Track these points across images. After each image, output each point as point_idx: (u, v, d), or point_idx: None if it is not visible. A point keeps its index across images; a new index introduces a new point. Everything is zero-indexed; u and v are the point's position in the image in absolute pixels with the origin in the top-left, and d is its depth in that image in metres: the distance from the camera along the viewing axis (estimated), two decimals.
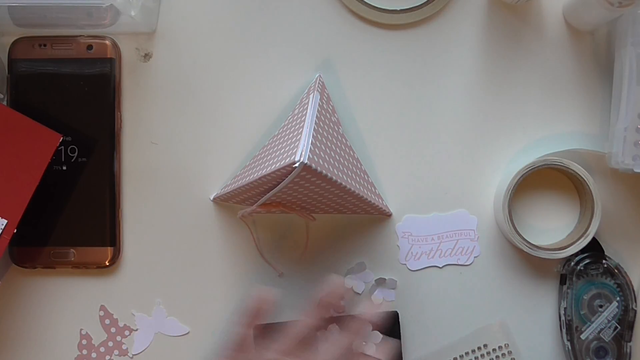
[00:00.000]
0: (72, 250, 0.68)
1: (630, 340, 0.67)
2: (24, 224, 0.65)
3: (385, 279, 0.68)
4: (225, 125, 0.69)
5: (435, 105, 0.69)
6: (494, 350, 0.68)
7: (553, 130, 0.69)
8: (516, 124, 0.69)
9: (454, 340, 0.69)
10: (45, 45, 0.68)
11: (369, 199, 0.64)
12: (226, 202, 0.69)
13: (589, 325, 0.67)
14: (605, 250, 0.68)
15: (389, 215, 0.69)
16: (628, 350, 0.67)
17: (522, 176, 0.66)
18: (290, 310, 0.69)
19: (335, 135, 0.64)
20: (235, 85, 0.69)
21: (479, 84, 0.69)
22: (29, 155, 0.64)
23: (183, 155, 0.69)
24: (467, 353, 0.68)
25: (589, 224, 0.66)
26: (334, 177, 0.58)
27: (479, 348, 0.68)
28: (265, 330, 0.67)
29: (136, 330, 0.69)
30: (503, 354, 0.68)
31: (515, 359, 0.68)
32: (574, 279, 0.67)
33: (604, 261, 0.67)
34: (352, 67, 0.69)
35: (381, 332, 0.67)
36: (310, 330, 0.62)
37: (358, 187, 0.63)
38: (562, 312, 0.67)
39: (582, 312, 0.67)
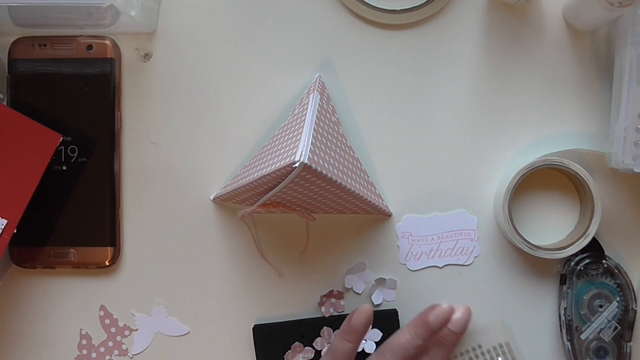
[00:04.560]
0: (72, 250, 0.68)
1: (630, 340, 0.67)
2: (24, 224, 0.65)
3: (385, 279, 0.69)
4: (225, 125, 0.69)
5: (435, 105, 0.69)
6: (494, 348, 0.68)
7: (553, 130, 0.69)
8: (516, 124, 0.69)
9: None
10: (45, 45, 0.68)
11: (369, 199, 0.64)
12: (226, 202, 0.69)
13: (589, 325, 0.67)
14: (605, 250, 0.68)
15: (389, 215, 0.69)
16: (628, 350, 0.67)
17: (522, 176, 0.66)
18: (290, 311, 0.69)
19: (335, 135, 0.64)
20: (235, 85, 0.69)
21: (478, 84, 0.69)
22: (29, 155, 0.64)
23: (183, 155, 0.69)
24: (467, 351, 0.68)
25: (589, 224, 0.66)
26: (334, 177, 0.58)
27: (479, 346, 0.68)
28: (265, 330, 0.67)
29: (136, 330, 0.69)
30: (503, 352, 0.68)
31: (515, 357, 0.68)
32: (574, 279, 0.67)
33: (604, 261, 0.67)
34: (352, 67, 0.69)
35: (381, 331, 0.68)
36: (414, 349, 0.62)
37: (358, 187, 0.63)
38: (562, 312, 0.67)
39: (582, 312, 0.67)
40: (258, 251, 0.69)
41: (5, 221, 0.64)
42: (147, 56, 0.69)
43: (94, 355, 0.69)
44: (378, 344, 0.67)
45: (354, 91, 0.69)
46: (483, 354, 0.68)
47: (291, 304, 0.69)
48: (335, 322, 0.68)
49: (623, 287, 0.67)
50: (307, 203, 0.63)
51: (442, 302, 0.69)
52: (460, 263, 0.69)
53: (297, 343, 0.67)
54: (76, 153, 0.68)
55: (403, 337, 0.63)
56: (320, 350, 0.68)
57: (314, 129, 0.59)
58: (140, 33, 0.69)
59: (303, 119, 0.61)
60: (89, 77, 0.68)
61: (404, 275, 0.69)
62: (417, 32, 0.69)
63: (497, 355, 0.68)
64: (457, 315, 0.63)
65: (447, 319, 0.63)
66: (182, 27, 0.69)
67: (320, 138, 0.59)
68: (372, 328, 0.67)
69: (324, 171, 0.57)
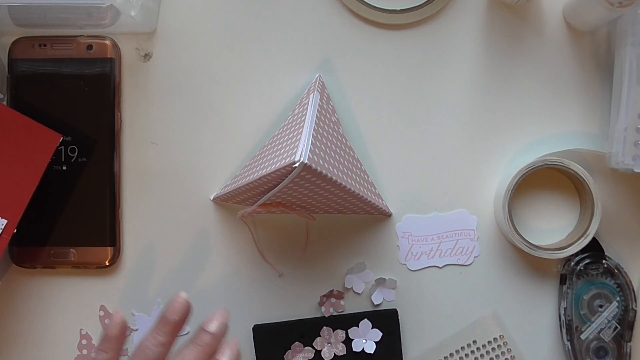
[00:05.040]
0: (72, 250, 0.68)
1: (630, 340, 0.67)
2: (24, 224, 0.65)
3: (385, 279, 0.69)
4: (225, 125, 0.69)
5: (435, 105, 0.69)
6: (489, 342, 0.68)
7: (553, 130, 0.69)
8: (516, 124, 0.69)
9: (448, 336, 0.68)
10: (45, 45, 0.68)
11: (369, 199, 0.64)
12: (226, 202, 0.69)
13: (589, 325, 0.67)
14: (605, 250, 0.68)
15: (389, 215, 0.69)
16: (628, 350, 0.67)
17: (522, 176, 0.66)
18: (290, 311, 0.69)
19: (335, 135, 0.64)
20: (235, 86, 0.69)
21: (478, 84, 0.69)
22: (29, 155, 0.64)
23: (183, 155, 0.69)
24: (462, 348, 0.68)
25: (589, 224, 0.66)
26: (334, 177, 0.58)
27: (474, 342, 0.68)
28: (265, 330, 0.67)
29: (136, 330, 0.69)
30: (499, 345, 0.68)
31: (511, 349, 0.68)
32: (574, 279, 0.67)
33: (604, 261, 0.67)
34: (352, 67, 0.69)
35: (381, 331, 0.68)
36: (161, 347, 0.59)
37: (358, 187, 0.63)
38: (562, 312, 0.67)
39: (582, 312, 0.67)
40: (258, 251, 0.69)
41: (5, 221, 0.64)
42: (147, 56, 0.69)
43: (94, 355, 0.69)
44: (378, 344, 0.67)
45: (354, 91, 0.69)
46: (478, 349, 0.68)
47: (291, 304, 0.69)
48: (335, 322, 0.68)
49: (623, 287, 0.67)
50: (307, 203, 0.63)
51: (441, 302, 0.69)
52: (460, 263, 0.69)
53: (297, 343, 0.67)
54: (76, 153, 0.68)
55: (147, 340, 0.59)
56: (320, 350, 0.68)
57: (314, 129, 0.59)
58: (140, 33, 0.69)
59: (303, 119, 0.61)
60: (89, 77, 0.68)
61: (404, 275, 0.69)
62: (417, 32, 0.69)
63: (493, 350, 0.68)
64: (211, 315, 0.61)
65: (183, 309, 0.59)
66: (182, 27, 0.69)
67: (320, 138, 0.59)
68: (372, 328, 0.68)
69: (324, 171, 0.57)
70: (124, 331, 0.60)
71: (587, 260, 0.67)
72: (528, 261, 0.69)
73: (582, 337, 0.67)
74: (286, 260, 0.69)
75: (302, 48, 0.69)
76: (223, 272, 0.69)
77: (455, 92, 0.69)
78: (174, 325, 0.60)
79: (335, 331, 0.68)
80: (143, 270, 0.69)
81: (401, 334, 0.68)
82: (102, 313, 0.69)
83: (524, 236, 0.66)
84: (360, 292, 0.69)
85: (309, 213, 0.66)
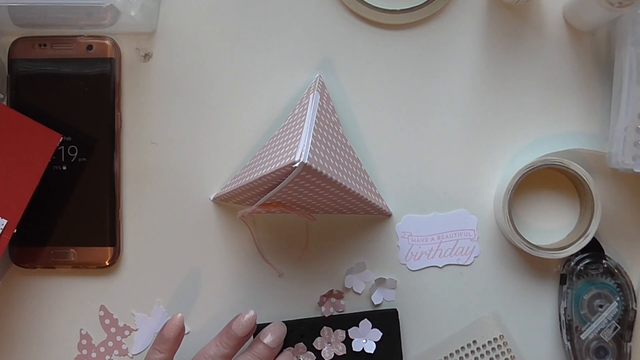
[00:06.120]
0: (72, 250, 0.68)
1: (630, 340, 0.67)
2: (24, 224, 0.64)
3: (385, 279, 0.69)
4: (225, 125, 0.69)
5: (435, 105, 0.69)
6: (489, 342, 0.68)
7: (553, 130, 0.69)
8: (516, 124, 0.69)
9: (448, 336, 0.69)
10: (45, 45, 0.68)
11: (369, 199, 0.64)
12: (226, 202, 0.69)
13: (589, 325, 0.67)
14: (605, 250, 0.68)
15: (389, 215, 0.69)
16: (628, 350, 0.67)
17: (522, 176, 0.66)
18: (290, 311, 0.69)
19: (335, 135, 0.64)
20: (235, 85, 0.69)
21: (478, 84, 0.69)
22: (29, 155, 0.64)
23: (183, 155, 0.69)
24: (462, 348, 0.68)
25: (589, 224, 0.66)
26: (334, 177, 0.58)
27: (474, 342, 0.68)
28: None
29: (136, 330, 0.69)
30: (499, 345, 0.68)
31: (511, 349, 0.68)
32: (574, 279, 0.67)
33: (604, 261, 0.67)
34: (352, 67, 0.69)
35: (381, 331, 0.68)
36: (220, 358, 0.64)
37: (358, 187, 0.63)
38: (562, 312, 0.67)
39: (582, 312, 0.67)
40: (258, 251, 0.69)
41: (5, 221, 0.63)
42: (147, 56, 0.69)
43: (94, 355, 0.69)
44: (378, 343, 0.67)
45: (354, 91, 0.69)
46: (478, 349, 0.68)
47: (291, 304, 0.69)
48: (335, 322, 0.68)
49: (623, 287, 0.67)
50: (307, 203, 0.63)
51: (441, 302, 0.69)
52: (460, 263, 0.69)
53: (300, 344, 0.67)
54: (76, 153, 0.68)
55: (210, 348, 0.64)
56: (320, 350, 0.68)
57: (314, 129, 0.59)
58: (140, 33, 0.69)
59: (303, 119, 0.61)
60: (89, 77, 0.68)
61: (404, 275, 0.69)
62: (417, 32, 0.69)
63: (493, 350, 0.68)
64: (268, 327, 0.65)
65: (250, 327, 0.64)
66: (182, 27, 0.69)
67: (320, 138, 0.59)
68: (372, 328, 0.68)
69: (324, 171, 0.57)
70: (182, 334, 0.64)
71: (587, 260, 0.67)
72: (528, 261, 0.69)
73: (582, 337, 0.67)
74: (286, 260, 0.69)
75: (302, 48, 0.69)
76: (223, 272, 0.69)
77: (455, 92, 0.69)
78: (238, 340, 0.64)
79: (335, 331, 0.68)
80: (143, 270, 0.69)
81: (401, 334, 0.68)
82: (102, 313, 0.69)
83: (524, 236, 0.66)
84: (360, 292, 0.69)
85: (309, 213, 0.66)
